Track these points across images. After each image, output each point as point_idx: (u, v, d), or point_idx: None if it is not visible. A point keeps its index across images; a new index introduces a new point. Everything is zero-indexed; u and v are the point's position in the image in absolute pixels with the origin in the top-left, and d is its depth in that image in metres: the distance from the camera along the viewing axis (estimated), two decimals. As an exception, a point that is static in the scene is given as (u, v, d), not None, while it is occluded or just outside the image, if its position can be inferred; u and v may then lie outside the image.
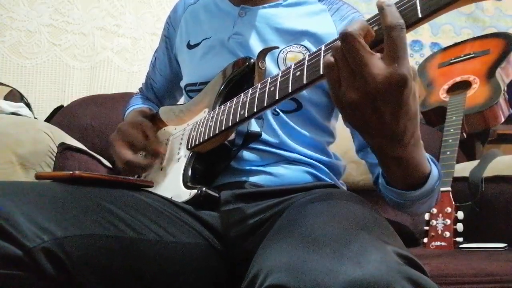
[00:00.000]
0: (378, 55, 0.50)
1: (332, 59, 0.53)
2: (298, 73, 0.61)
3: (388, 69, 0.49)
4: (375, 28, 0.52)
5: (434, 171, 0.65)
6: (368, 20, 0.53)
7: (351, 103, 0.52)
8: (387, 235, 0.54)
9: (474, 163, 1.44)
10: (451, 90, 1.82)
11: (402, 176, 0.63)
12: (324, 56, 0.57)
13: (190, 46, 0.97)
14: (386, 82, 0.49)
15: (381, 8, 0.50)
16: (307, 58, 0.60)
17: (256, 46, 0.87)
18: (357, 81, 0.51)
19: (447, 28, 2.14)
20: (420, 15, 0.50)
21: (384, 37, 0.50)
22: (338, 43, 0.51)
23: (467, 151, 1.73)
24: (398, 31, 0.49)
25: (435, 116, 1.79)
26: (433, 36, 2.14)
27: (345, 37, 0.50)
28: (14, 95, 1.55)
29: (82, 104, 1.56)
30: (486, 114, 1.67)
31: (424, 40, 2.14)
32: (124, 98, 1.39)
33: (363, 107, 0.51)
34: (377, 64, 0.49)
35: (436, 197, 0.72)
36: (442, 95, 1.81)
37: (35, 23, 1.71)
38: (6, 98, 1.52)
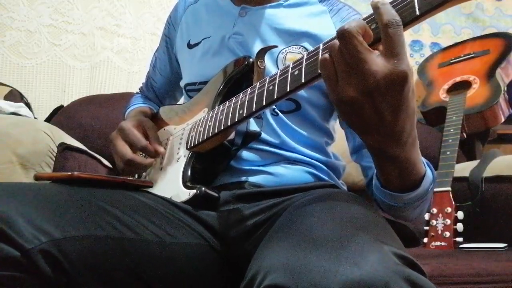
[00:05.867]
0: (377, 52, 0.50)
1: (327, 56, 0.52)
2: (296, 72, 0.61)
3: (388, 66, 0.49)
4: (373, 26, 0.52)
5: (429, 173, 0.65)
6: (365, 19, 0.53)
7: (349, 100, 0.51)
8: (385, 236, 0.54)
9: (474, 163, 1.44)
10: (451, 90, 1.82)
11: (398, 177, 0.62)
12: (322, 54, 0.57)
13: (190, 46, 0.97)
14: (386, 79, 0.49)
15: (376, 7, 0.50)
16: (305, 57, 0.60)
17: (256, 46, 0.87)
18: (354, 78, 0.50)
19: (447, 28, 2.14)
20: (418, 13, 0.50)
21: (381, 34, 0.50)
22: (336, 42, 0.51)
23: (467, 151, 1.73)
24: (395, 28, 0.49)
25: (435, 116, 1.79)
26: (433, 36, 2.13)
27: (343, 34, 0.50)
28: (14, 95, 1.55)
29: (82, 104, 1.56)
30: (486, 114, 1.67)
31: (424, 40, 2.14)
32: (124, 98, 1.39)
33: (361, 104, 0.51)
34: (376, 61, 0.49)
35: (429, 203, 0.72)
36: (442, 95, 1.81)
37: (35, 23, 1.71)
38: (6, 98, 1.51)
